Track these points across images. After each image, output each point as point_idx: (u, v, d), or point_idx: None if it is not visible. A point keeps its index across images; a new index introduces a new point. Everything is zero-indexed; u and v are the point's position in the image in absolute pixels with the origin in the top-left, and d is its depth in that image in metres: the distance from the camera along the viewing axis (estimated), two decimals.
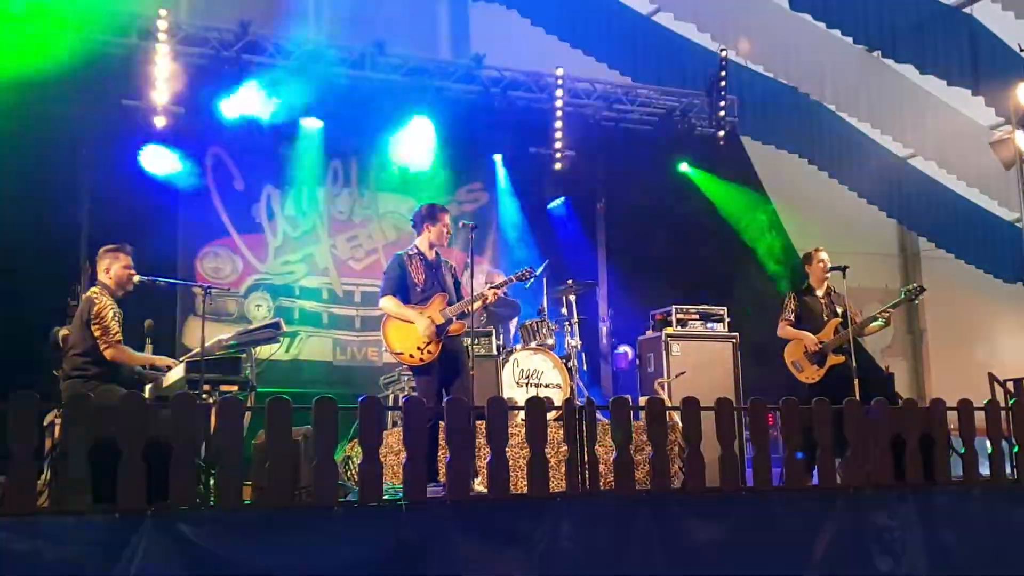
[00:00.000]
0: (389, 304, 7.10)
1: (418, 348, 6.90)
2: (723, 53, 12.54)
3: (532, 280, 7.90)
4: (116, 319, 6.74)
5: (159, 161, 10.28)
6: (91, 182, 9.94)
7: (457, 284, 7.33)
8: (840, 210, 14.21)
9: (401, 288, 7.13)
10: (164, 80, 9.91)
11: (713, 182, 12.77)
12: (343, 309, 11.47)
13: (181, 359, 6.86)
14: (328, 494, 4.87)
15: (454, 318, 7.00)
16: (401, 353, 7.01)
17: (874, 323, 8.37)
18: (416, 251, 7.25)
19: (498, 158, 12.23)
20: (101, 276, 6.98)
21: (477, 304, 7.15)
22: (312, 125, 11.10)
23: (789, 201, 13.63)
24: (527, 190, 12.28)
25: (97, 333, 6.66)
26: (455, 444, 5.18)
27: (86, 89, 9.67)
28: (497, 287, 7.31)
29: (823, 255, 8.59)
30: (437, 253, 7.30)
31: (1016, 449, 6.56)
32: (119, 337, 6.73)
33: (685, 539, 5.44)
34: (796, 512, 5.76)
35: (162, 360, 6.96)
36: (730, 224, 12.78)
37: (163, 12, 9.97)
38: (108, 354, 6.68)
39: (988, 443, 6.42)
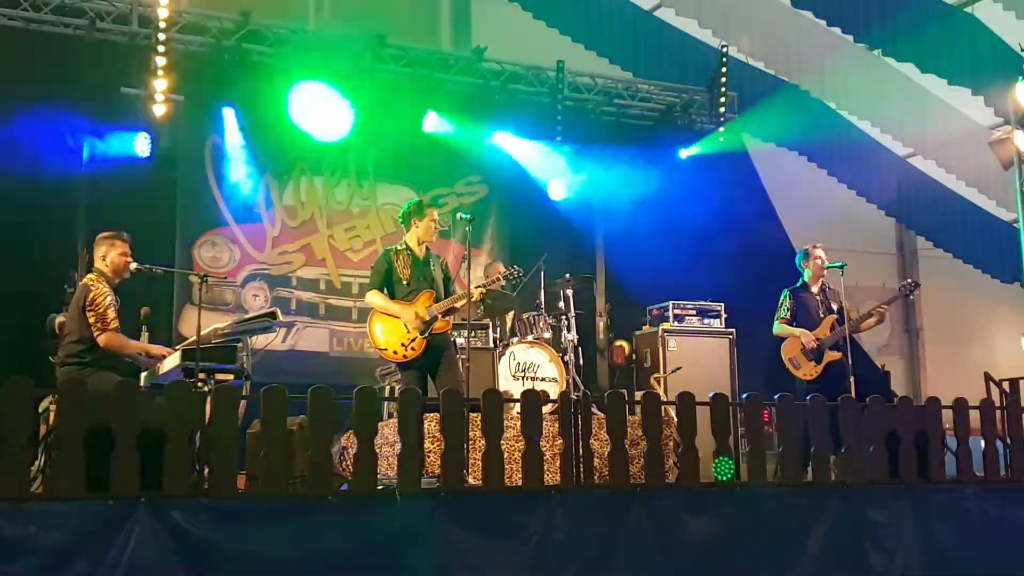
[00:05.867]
0: (375, 298, 7.20)
1: (402, 344, 6.97)
2: (724, 49, 12.54)
3: (524, 281, 8.02)
4: (112, 307, 6.71)
5: (157, 149, 10.26)
6: (89, 170, 9.92)
7: (448, 280, 7.42)
8: (839, 208, 14.20)
9: (387, 284, 7.23)
10: (164, 68, 9.89)
11: None
12: (340, 300, 11.45)
13: (177, 347, 6.84)
14: (322, 484, 4.87)
15: (439, 315, 7.06)
16: (385, 349, 7.10)
17: (870, 319, 8.41)
18: (404, 247, 7.33)
19: (497, 151, 12.19)
20: (98, 263, 6.97)
21: (462, 302, 7.19)
22: (312, 115, 11.06)
23: (788, 198, 13.60)
24: (526, 183, 12.26)
25: (91, 319, 6.63)
26: (450, 436, 5.19)
27: (85, 77, 9.66)
28: (483, 287, 7.40)
29: (820, 252, 8.62)
30: (428, 249, 7.38)
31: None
32: (115, 324, 6.70)
33: (679, 534, 5.46)
34: (790, 508, 5.77)
35: (157, 349, 6.88)
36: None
37: (164, 0, 9.94)
38: (102, 341, 6.64)
39: (983, 442, 6.44)
